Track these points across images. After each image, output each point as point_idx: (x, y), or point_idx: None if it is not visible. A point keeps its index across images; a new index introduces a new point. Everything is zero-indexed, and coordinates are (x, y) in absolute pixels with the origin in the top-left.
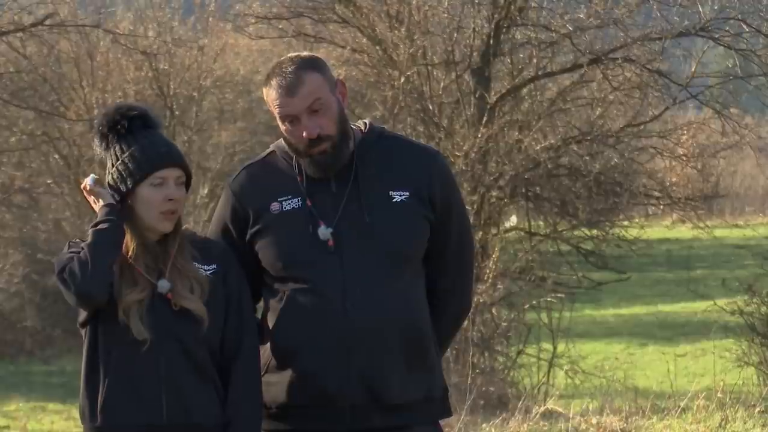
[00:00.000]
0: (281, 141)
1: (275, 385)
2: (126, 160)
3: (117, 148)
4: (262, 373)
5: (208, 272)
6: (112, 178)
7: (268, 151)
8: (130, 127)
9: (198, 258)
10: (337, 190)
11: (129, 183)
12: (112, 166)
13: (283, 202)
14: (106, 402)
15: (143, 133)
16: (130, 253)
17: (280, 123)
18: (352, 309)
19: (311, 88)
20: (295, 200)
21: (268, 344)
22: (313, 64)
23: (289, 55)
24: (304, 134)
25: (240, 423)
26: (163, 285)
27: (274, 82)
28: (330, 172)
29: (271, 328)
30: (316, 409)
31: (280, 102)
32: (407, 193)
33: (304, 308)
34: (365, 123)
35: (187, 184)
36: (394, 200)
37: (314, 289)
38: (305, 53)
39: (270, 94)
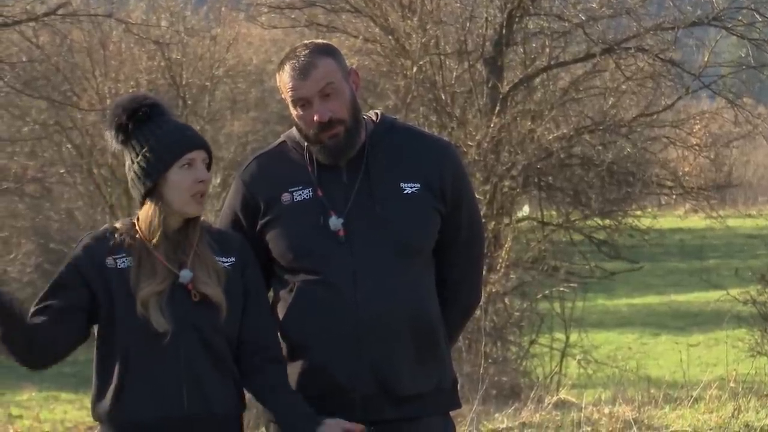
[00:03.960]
0: (292, 131)
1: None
2: (154, 145)
3: (140, 135)
4: None
5: (227, 264)
6: (139, 166)
7: (278, 141)
8: (150, 114)
9: (216, 250)
10: (348, 181)
11: (160, 167)
12: (137, 154)
13: (294, 193)
14: (125, 394)
15: (164, 119)
16: (155, 241)
17: (291, 108)
18: (363, 300)
19: (324, 72)
20: (306, 191)
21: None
22: (326, 50)
23: (304, 42)
24: (315, 118)
25: (288, 386)
26: (186, 275)
27: (287, 67)
28: (342, 159)
29: (281, 319)
30: (326, 400)
31: (293, 85)
32: (418, 185)
33: (314, 299)
34: (377, 113)
35: (209, 168)
36: (405, 192)
37: (325, 281)
38: (319, 40)
39: (283, 79)
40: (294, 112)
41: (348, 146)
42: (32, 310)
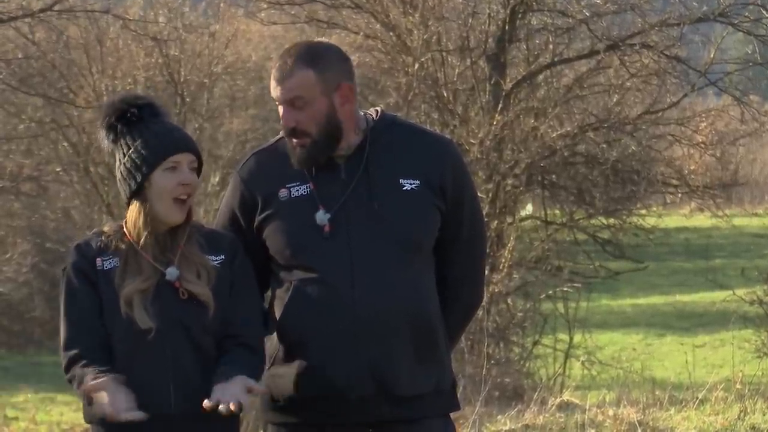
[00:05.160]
0: None
1: (282, 377)
2: (139, 147)
3: (128, 137)
4: (268, 365)
5: (216, 262)
6: (125, 167)
7: (277, 137)
8: (140, 115)
9: (205, 248)
10: (347, 178)
11: (144, 169)
12: (124, 155)
13: (291, 189)
14: None
15: (154, 120)
16: (141, 242)
17: None
18: (360, 297)
19: (295, 85)
20: (304, 187)
21: (275, 336)
22: (313, 60)
23: (304, 41)
24: (281, 122)
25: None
26: (172, 272)
27: (274, 67)
28: (305, 167)
29: (279, 318)
30: (324, 401)
31: (272, 85)
32: (418, 182)
33: (311, 297)
34: (377, 110)
35: (198, 171)
36: (405, 188)
37: (321, 278)
38: (319, 43)
39: (271, 77)
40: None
41: (311, 159)
42: (69, 333)
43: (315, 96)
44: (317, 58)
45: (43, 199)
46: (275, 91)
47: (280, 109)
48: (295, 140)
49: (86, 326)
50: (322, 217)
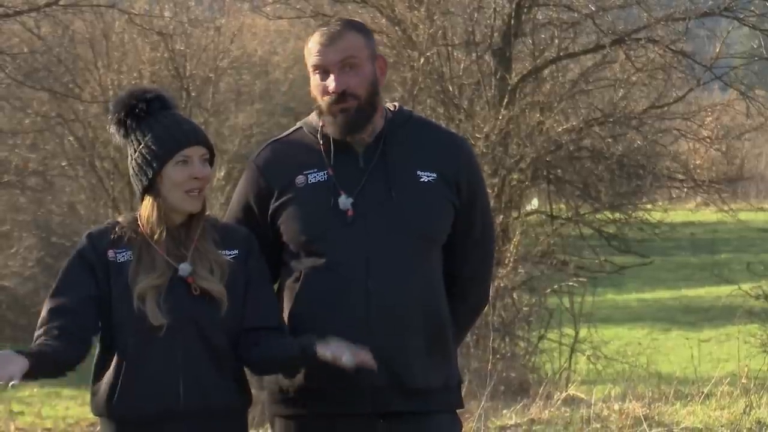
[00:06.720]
0: (310, 117)
1: None
2: (149, 143)
3: (138, 132)
4: None
5: (230, 257)
6: (137, 163)
7: (294, 128)
8: (149, 110)
9: (219, 243)
10: (365, 165)
11: (155, 165)
12: (135, 151)
13: (309, 175)
14: (121, 389)
15: (163, 114)
16: (156, 237)
17: (311, 75)
18: (375, 288)
19: (349, 44)
20: (321, 173)
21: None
22: (359, 27)
23: (340, 17)
24: (330, 88)
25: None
26: (185, 268)
27: (316, 34)
28: (349, 134)
29: (290, 307)
30: (335, 391)
31: (317, 50)
32: (434, 175)
33: (324, 286)
34: (395, 105)
35: (211, 163)
36: (422, 180)
37: (336, 266)
38: (356, 19)
39: (309, 46)
40: (312, 80)
41: (356, 123)
42: (47, 308)
43: (364, 59)
44: (362, 26)
45: (48, 194)
46: (324, 56)
47: (317, 79)
48: (340, 105)
49: (65, 315)
50: (344, 201)
